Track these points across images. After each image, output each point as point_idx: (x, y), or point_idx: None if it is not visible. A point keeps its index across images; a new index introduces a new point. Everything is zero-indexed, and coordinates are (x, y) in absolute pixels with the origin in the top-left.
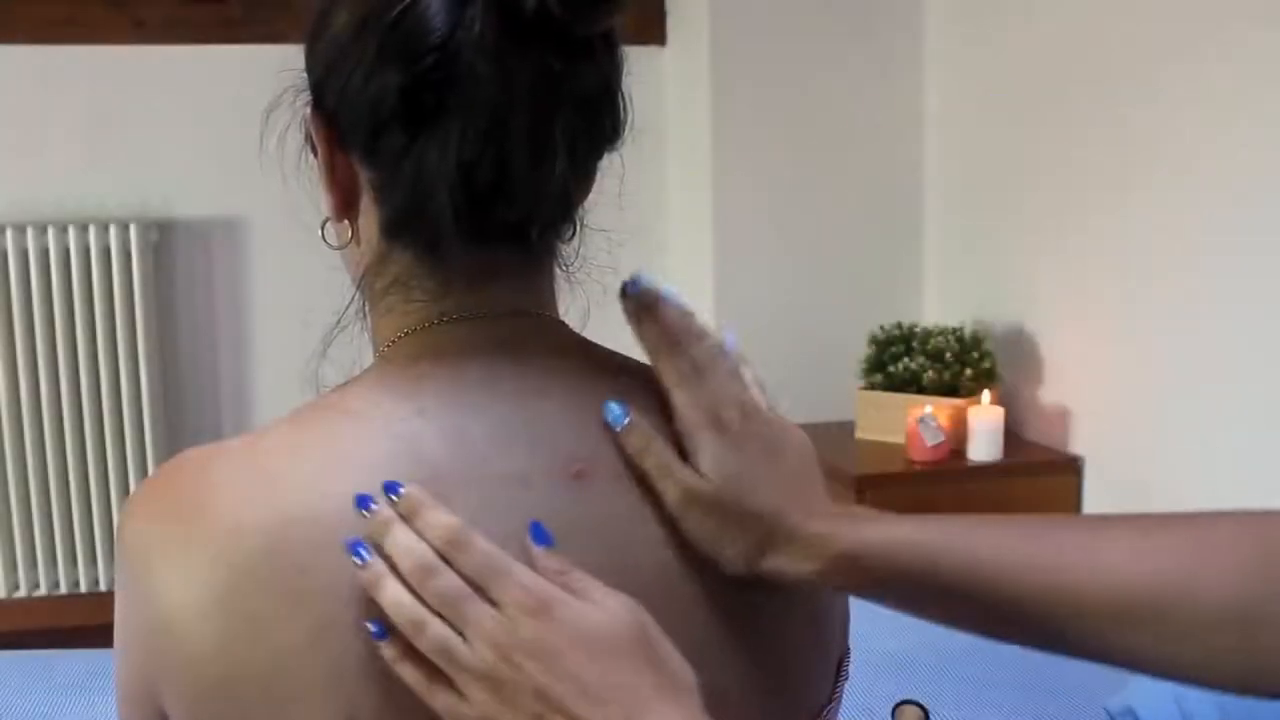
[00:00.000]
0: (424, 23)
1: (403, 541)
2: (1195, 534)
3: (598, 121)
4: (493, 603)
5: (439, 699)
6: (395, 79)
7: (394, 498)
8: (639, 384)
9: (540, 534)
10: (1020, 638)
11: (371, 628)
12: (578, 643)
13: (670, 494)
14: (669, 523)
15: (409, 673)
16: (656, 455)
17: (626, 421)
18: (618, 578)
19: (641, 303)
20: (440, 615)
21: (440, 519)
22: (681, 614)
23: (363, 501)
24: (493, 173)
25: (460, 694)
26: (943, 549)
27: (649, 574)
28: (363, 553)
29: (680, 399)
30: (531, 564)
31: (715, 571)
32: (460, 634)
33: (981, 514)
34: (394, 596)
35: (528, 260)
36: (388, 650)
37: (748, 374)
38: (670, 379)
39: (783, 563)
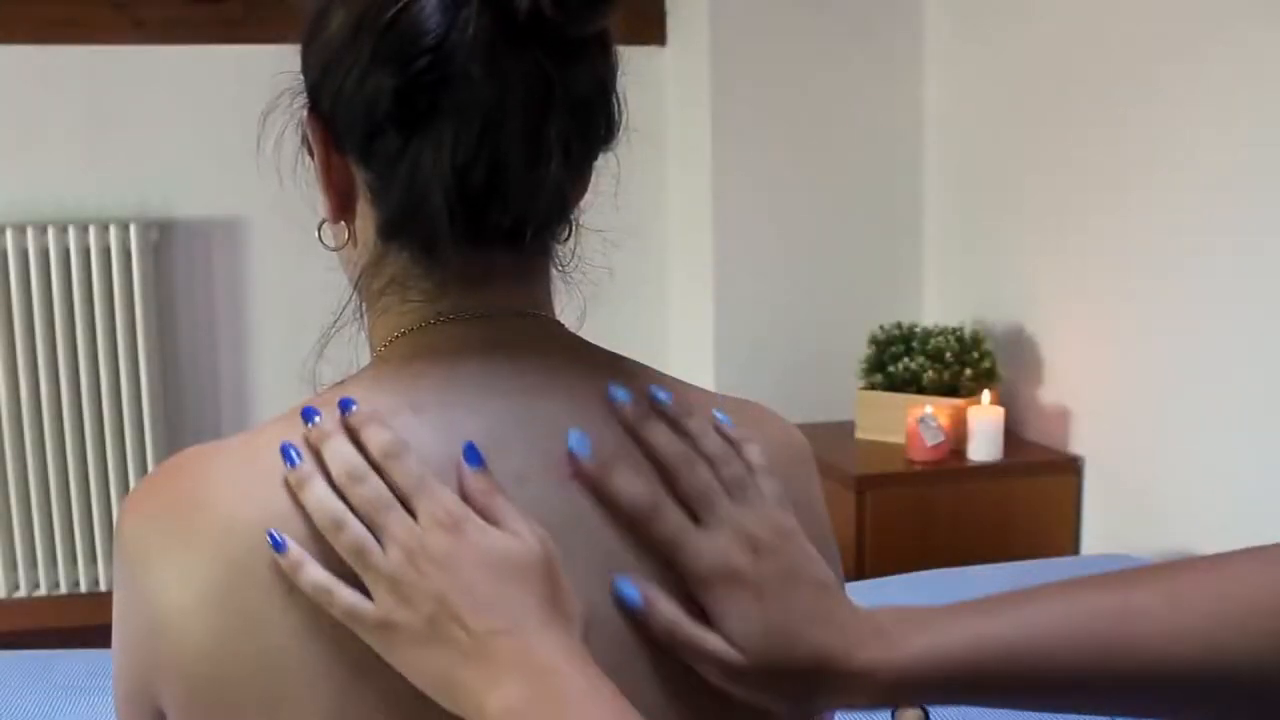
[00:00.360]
0: (418, 24)
1: (339, 449)
2: (1220, 593)
3: (592, 123)
4: (413, 515)
5: (341, 599)
6: (389, 81)
7: (345, 413)
8: (635, 386)
9: (473, 455)
10: (1076, 712)
11: (271, 537)
12: (481, 560)
13: (710, 676)
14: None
15: (310, 575)
16: (685, 637)
17: (642, 605)
18: (614, 576)
19: (627, 423)
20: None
21: (383, 434)
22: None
23: (308, 414)
24: (487, 175)
25: (363, 598)
26: (978, 652)
27: (647, 573)
28: (294, 455)
29: (684, 559)
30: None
31: None
32: (377, 540)
33: (1003, 597)
34: (319, 495)
35: (524, 261)
36: (286, 559)
37: (753, 452)
38: (666, 540)
39: (835, 702)
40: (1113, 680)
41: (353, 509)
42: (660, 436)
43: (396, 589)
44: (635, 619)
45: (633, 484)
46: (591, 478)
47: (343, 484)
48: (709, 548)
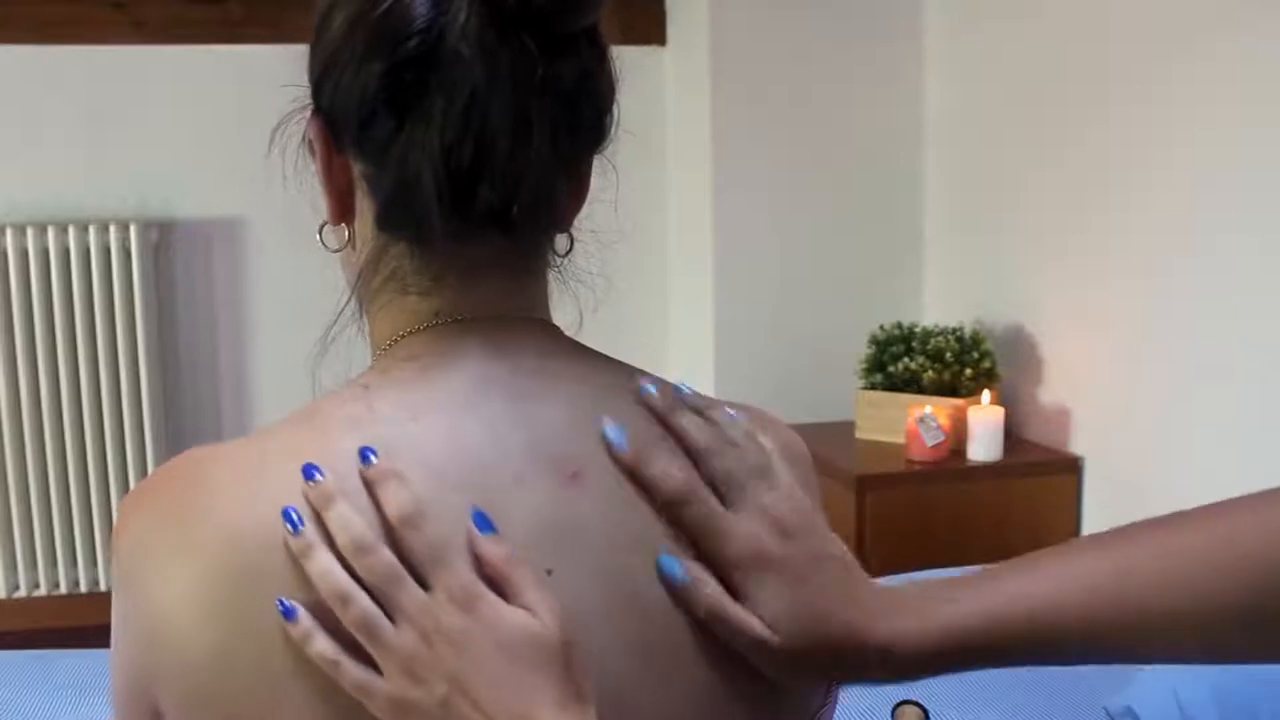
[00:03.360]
0: (409, 13)
1: (344, 515)
2: (1208, 541)
3: (579, 116)
4: (424, 586)
5: (350, 675)
6: (380, 65)
7: (364, 465)
8: (630, 392)
9: (483, 522)
10: (1086, 663)
11: (280, 605)
12: (496, 640)
13: (748, 654)
14: (664, 524)
15: (319, 647)
16: (729, 614)
17: (689, 581)
18: (613, 579)
19: (655, 413)
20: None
21: (403, 493)
22: (676, 613)
23: (308, 472)
24: (475, 151)
25: (373, 672)
26: (989, 623)
27: (644, 575)
28: (295, 519)
29: (715, 544)
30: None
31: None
32: (386, 614)
33: (1012, 566)
34: (323, 566)
35: (518, 258)
36: (296, 629)
37: (766, 441)
38: (697, 523)
39: (859, 677)
40: (1115, 637)
41: (360, 581)
42: (690, 424)
43: (409, 667)
44: (676, 597)
45: (669, 467)
46: (630, 464)
47: (349, 554)
48: (740, 532)
